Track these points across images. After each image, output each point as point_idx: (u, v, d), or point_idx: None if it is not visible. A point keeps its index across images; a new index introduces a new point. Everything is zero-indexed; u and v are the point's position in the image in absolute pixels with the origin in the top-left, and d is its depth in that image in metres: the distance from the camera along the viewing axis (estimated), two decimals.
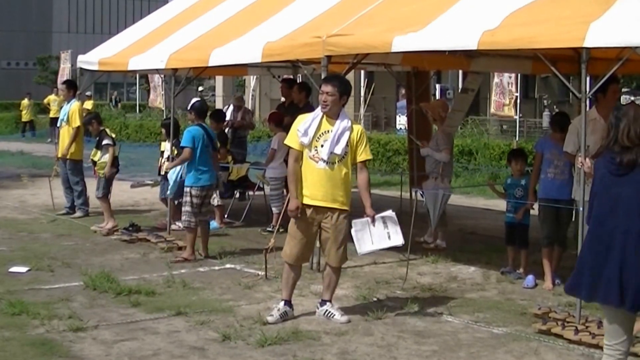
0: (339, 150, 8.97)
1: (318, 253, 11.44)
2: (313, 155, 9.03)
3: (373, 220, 9.23)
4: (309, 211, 9.13)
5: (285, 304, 9.31)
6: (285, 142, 9.33)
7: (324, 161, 9.00)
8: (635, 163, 6.28)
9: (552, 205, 10.79)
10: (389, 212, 9.34)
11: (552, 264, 10.95)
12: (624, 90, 54.92)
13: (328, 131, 9.01)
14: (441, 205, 13.38)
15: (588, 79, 9.18)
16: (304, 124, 9.10)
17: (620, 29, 8.61)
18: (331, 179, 9.05)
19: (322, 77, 11.23)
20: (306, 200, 9.11)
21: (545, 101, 41.75)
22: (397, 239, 9.32)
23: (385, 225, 9.30)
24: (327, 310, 9.31)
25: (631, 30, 8.55)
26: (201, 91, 55.92)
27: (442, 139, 13.60)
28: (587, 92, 9.17)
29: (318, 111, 9.13)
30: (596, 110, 10.45)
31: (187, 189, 12.33)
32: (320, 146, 9.00)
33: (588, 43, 8.66)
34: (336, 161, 9.02)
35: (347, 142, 9.01)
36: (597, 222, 6.44)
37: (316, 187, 9.07)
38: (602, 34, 8.63)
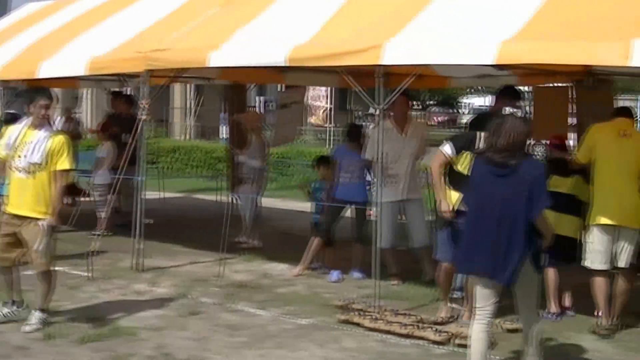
0: (35, 159, 8.54)
1: (142, 254, 11.47)
2: (15, 165, 8.65)
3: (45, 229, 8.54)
4: (10, 218, 8.74)
5: (4, 305, 9.00)
6: None
7: (24, 170, 8.60)
8: (513, 166, 6.84)
9: (339, 205, 11.31)
10: None
11: (354, 258, 11.36)
12: (432, 103, 56.44)
13: (30, 142, 8.61)
14: (255, 208, 13.56)
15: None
16: (9, 136, 8.76)
17: (413, 48, 8.92)
18: (30, 187, 8.61)
19: (141, 90, 11.31)
20: (9, 209, 8.74)
21: (358, 112, 42.45)
22: None
23: None
24: (32, 320, 8.74)
25: (423, 49, 8.87)
26: None
27: (257, 147, 13.79)
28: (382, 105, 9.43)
29: (25, 122, 8.80)
30: (391, 121, 10.84)
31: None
32: (20, 156, 8.60)
33: (384, 61, 8.96)
34: (35, 170, 8.60)
35: (44, 152, 8.56)
36: (478, 209, 7.06)
37: (16, 195, 8.69)
38: (397, 53, 8.92)
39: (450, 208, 8.53)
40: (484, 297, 7.08)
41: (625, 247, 8.74)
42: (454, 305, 9.34)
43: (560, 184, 9.31)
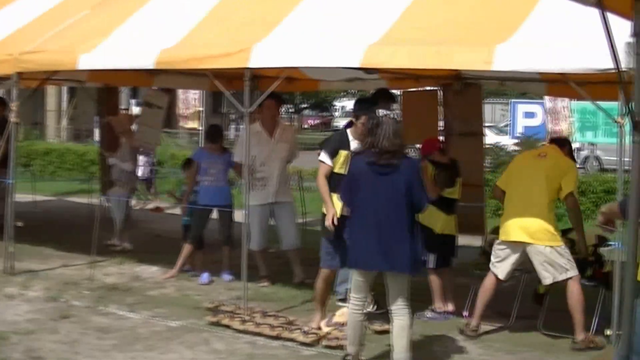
0: None
1: (13, 257, 11.22)
2: None
3: None
4: None
5: None
6: None
7: None
8: (393, 166, 7.13)
9: (204, 207, 11.20)
10: None
11: (223, 261, 11.33)
12: (305, 106, 56.74)
13: None
14: (125, 210, 13.40)
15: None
16: None
17: (280, 51, 8.93)
18: None
19: (12, 93, 11.06)
20: None
21: (230, 115, 42.34)
22: None
23: None
24: None
25: (290, 52, 8.89)
26: None
27: (128, 150, 13.63)
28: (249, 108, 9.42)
29: None
30: (259, 124, 10.84)
31: None
32: None
33: (252, 64, 8.94)
34: None
35: None
36: (362, 207, 7.33)
37: None
38: (264, 56, 8.92)
39: (337, 217, 8.35)
40: (360, 289, 7.49)
41: (539, 264, 8.63)
42: (340, 304, 9.34)
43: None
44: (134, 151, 13.85)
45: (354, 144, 8.44)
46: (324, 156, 8.67)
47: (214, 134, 11.61)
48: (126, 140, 13.82)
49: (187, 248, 11.43)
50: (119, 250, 13.05)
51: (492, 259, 8.91)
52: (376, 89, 10.11)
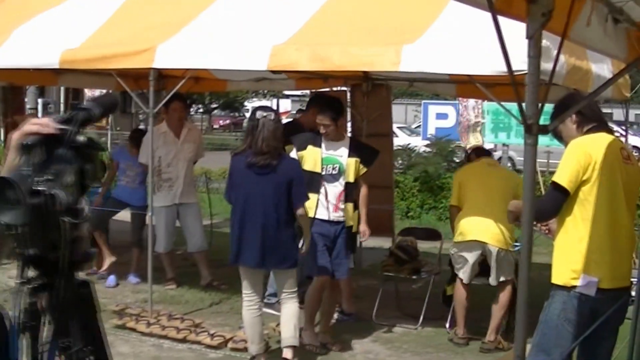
0: None
1: None
2: None
3: None
4: None
5: None
6: None
7: None
8: (272, 166, 7.36)
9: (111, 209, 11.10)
10: None
11: (132, 263, 11.26)
12: (214, 107, 56.55)
13: None
14: None
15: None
16: None
17: (185, 52, 8.94)
18: None
19: None
20: None
21: (140, 115, 42.02)
22: None
23: None
24: None
25: (196, 53, 8.90)
26: None
27: None
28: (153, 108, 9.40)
29: None
30: (165, 124, 10.83)
31: None
32: None
33: (156, 64, 8.93)
34: None
35: None
36: (243, 206, 7.54)
37: None
38: (169, 57, 8.92)
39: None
40: (252, 286, 7.69)
41: (493, 265, 8.71)
42: (269, 311, 9.19)
43: None
44: None
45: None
46: (294, 153, 8.48)
47: (138, 138, 11.48)
48: None
49: (98, 236, 11.22)
50: None
51: (455, 265, 8.94)
52: (313, 94, 10.16)
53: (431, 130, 25.25)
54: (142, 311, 9.31)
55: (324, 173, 8.42)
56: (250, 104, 60.76)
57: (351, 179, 8.52)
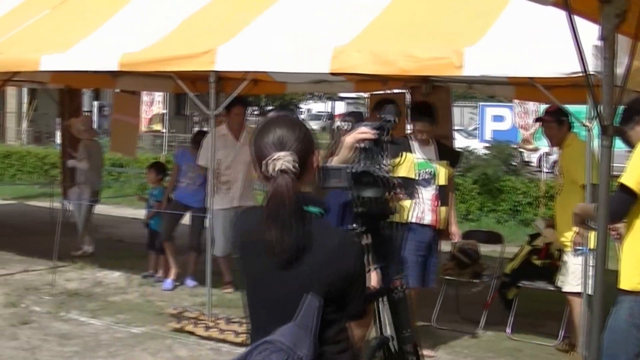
0: None
1: None
2: None
3: None
4: None
5: None
6: None
7: None
8: None
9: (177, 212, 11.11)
10: None
11: (189, 267, 11.29)
12: (270, 108, 56.73)
13: None
14: (86, 213, 13.37)
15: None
16: None
17: (246, 55, 8.92)
18: None
19: None
20: None
21: (194, 117, 42.34)
22: None
23: None
24: None
25: (256, 55, 8.87)
26: None
27: (81, 150, 13.59)
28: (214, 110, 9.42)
29: None
30: (225, 127, 10.85)
31: None
32: None
33: (217, 67, 8.93)
34: None
35: None
36: None
37: None
38: (230, 60, 8.91)
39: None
40: None
41: None
42: None
43: None
44: (86, 150, 13.70)
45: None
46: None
47: (201, 140, 11.37)
48: (83, 141, 13.75)
49: (169, 246, 11.42)
50: (80, 255, 12.99)
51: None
52: (378, 100, 10.19)
53: (488, 133, 25.17)
54: (200, 314, 9.33)
55: (418, 178, 8.48)
56: (305, 106, 60.99)
57: (443, 182, 8.62)
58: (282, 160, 3.30)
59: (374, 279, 4.41)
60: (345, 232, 4.04)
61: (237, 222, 3.78)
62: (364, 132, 4.65)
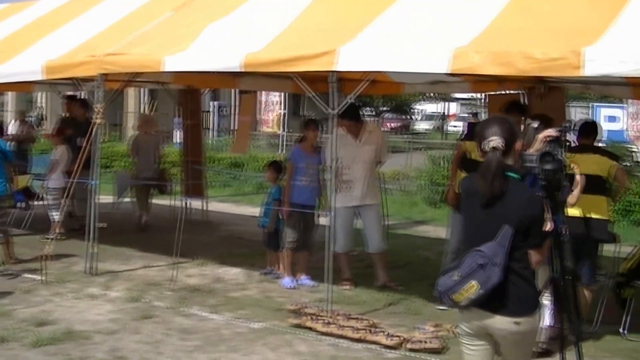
0: None
1: (95, 257, 11.42)
2: None
3: None
4: None
5: None
6: None
7: None
8: None
9: (299, 210, 11.07)
10: None
11: (301, 265, 11.36)
12: (385, 109, 56.74)
13: None
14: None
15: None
16: None
17: (366, 55, 8.93)
18: None
19: (95, 94, 11.25)
20: None
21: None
22: None
23: None
24: None
25: (377, 56, 8.88)
26: None
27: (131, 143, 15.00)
28: (336, 110, 9.46)
29: None
30: (343, 128, 10.87)
31: None
32: None
33: (338, 67, 8.95)
34: None
35: None
36: None
37: None
38: (350, 60, 8.92)
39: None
40: None
41: None
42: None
43: None
44: (138, 143, 14.28)
45: None
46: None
47: (309, 124, 11.57)
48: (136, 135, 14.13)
49: (287, 253, 11.36)
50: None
51: None
52: (507, 103, 10.20)
53: (602, 133, 24.77)
54: (319, 311, 9.38)
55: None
56: (420, 107, 60.72)
57: None
58: (494, 141, 5.06)
59: (548, 225, 5.55)
60: (533, 190, 5.43)
61: (462, 181, 5.59)
62: (550, 132, 6.04)
